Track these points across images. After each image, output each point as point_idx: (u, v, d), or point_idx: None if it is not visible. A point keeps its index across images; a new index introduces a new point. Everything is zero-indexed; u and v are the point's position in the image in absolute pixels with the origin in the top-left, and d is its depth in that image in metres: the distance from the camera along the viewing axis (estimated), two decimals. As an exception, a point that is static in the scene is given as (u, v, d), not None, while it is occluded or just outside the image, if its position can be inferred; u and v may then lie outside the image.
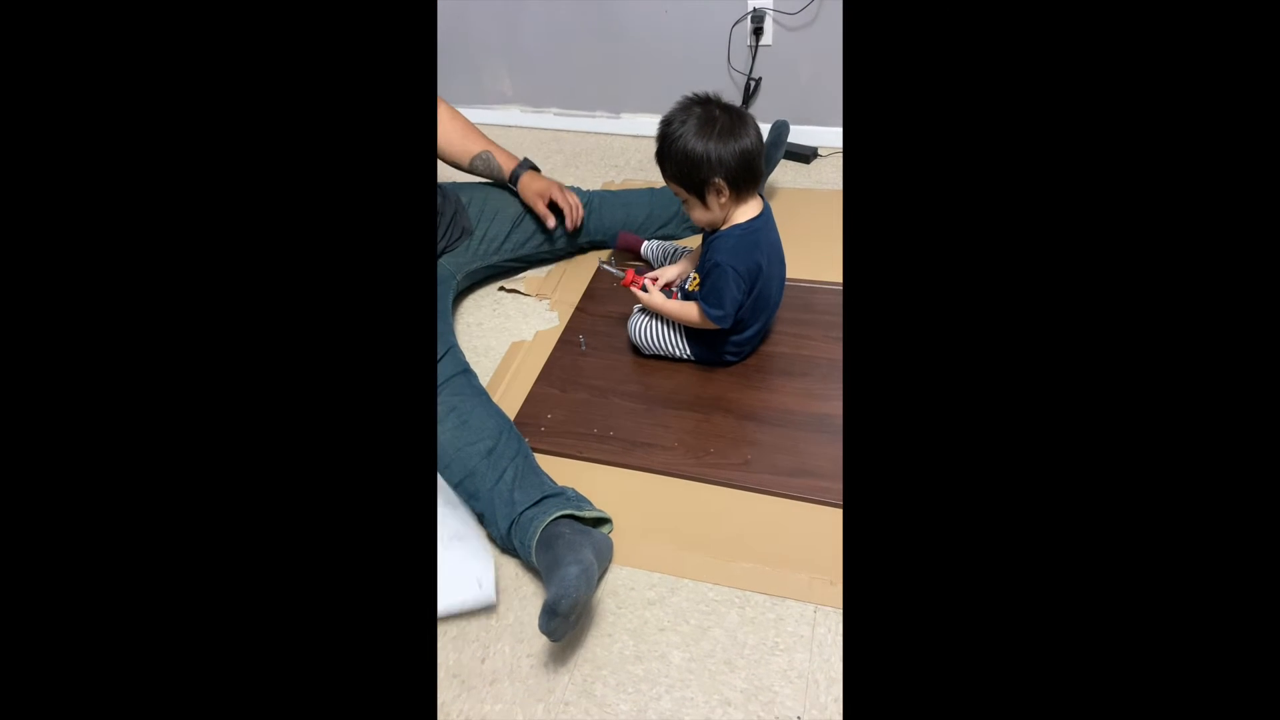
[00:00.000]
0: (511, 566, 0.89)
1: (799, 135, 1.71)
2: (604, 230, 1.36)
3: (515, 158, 1.27)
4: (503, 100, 1.96)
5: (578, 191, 1.33)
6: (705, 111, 0.93)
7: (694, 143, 0.92)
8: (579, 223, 1.26)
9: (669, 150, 0.95)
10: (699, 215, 1.00)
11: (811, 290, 1.27)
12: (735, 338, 1.08)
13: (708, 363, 1.12)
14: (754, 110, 1.73)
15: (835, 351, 1.13)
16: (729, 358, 1.11)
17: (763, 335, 1.13)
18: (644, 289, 1.08)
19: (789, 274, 1.28)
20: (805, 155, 1.67)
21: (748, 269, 0.98)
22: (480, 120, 2.00)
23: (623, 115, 1.86)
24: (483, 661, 0.80)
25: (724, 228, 1.00)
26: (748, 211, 0.99)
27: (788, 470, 0.96)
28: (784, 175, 1.64)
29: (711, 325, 1.03)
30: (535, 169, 1.28)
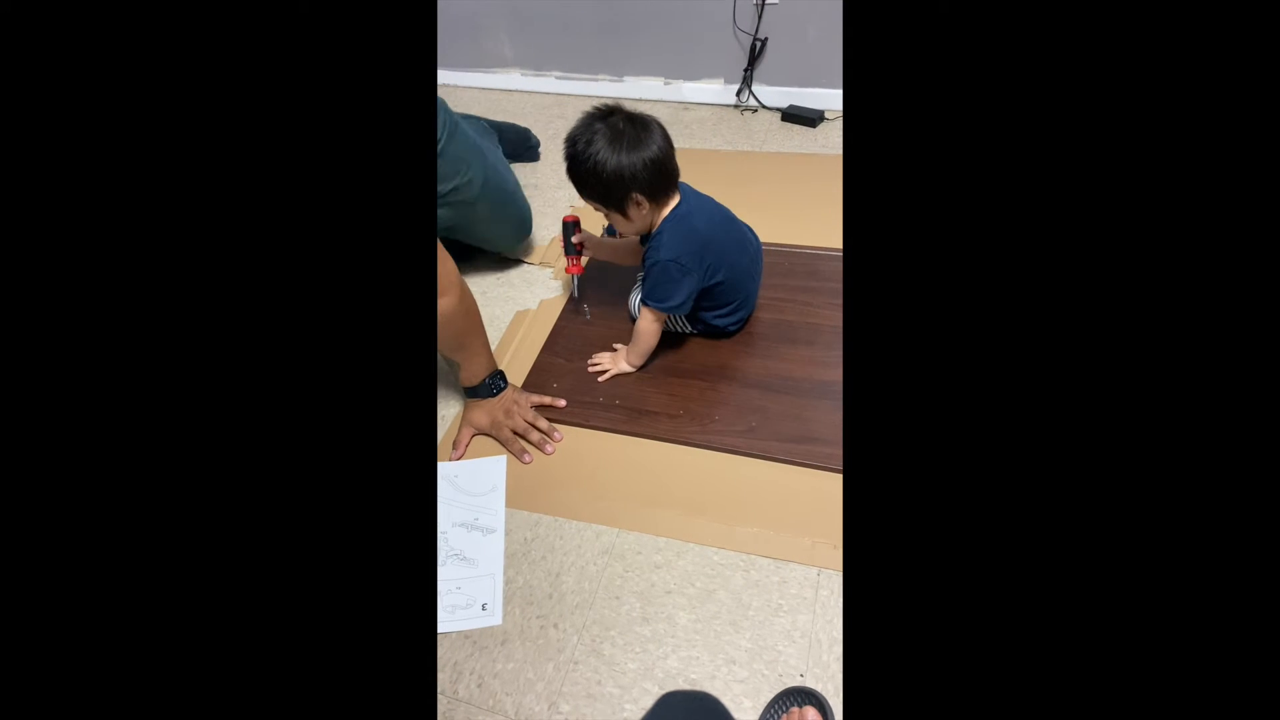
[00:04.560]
0: (519, 534, 0.91)
1: (805, 98, 1.68)
2: None
3: (491, 363, 1.00)
4: (503, 64, 1.92)
5: None
6: (609, 126, 0.91)
7: (605, 162, 0.90)
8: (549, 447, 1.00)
9: (582, 173, 0.93)
10: (624, 227, 0.99)
11: (817, 257, 1.26)
12: (721, 311, 1.08)
13: (709, 335, 1.12)
14: (761, 71, 1.69)
15: (840, 318, 1.13)
16: (732, 328, 1.11)
17: (755, 300, 1.13)
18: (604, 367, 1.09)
19: (796, 241, 1.28)
20: (811, 119, 1.64)
21: (690, 254, 0.97)
22: (480, 85, 1.97)
23: (626, 78, 1.83)
24: (494, 623, 0.83)
25: (654, 229, 0.99)
26: (671, 205, 0.98)
27: (792, 437, 0.97)
28: (789, 140, 1.61)
29: (666, 320, 1.04)
30: (500, 388, 1.01)
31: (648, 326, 1.04)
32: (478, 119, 1.50)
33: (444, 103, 1.15)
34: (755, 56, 1.66)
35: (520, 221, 1.31)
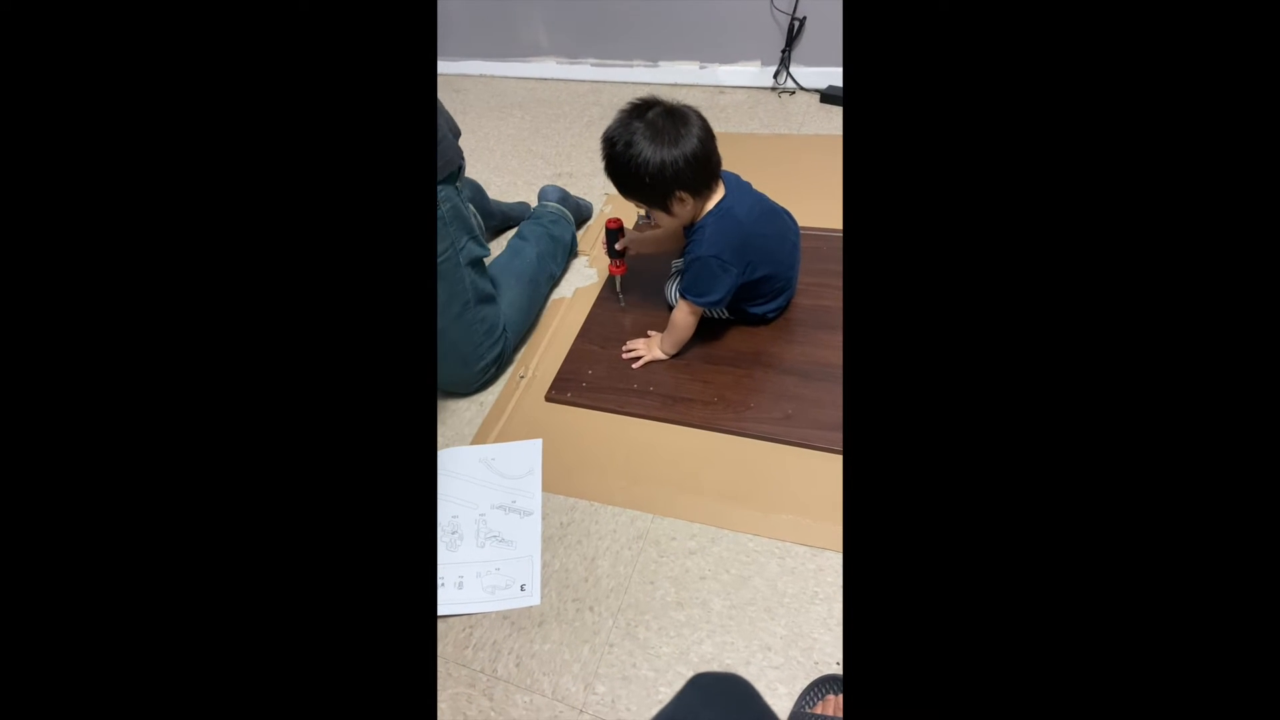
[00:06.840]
0: (555, 518, 0.92)
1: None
2: None
3: None
4: (538, 52, 1.93)
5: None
6: (647, 124, 0.88)
7: (648, 161, 0.88)
8: None
9: (624, 175, 0.91)
10: (668, 223, 0.97)
11: (856, 241, 1.23)
12: (760, 301, 1.07)
13: (746, 321, 1.11)
14: (799, 52, 1.66)
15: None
16: (771, 315, 1.10)
17: (795, 285, 1.12)
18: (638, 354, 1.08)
19: (835, 225, 1.25)
20: (852, 99, 1.60)
21: (732, 250, 0.95)
22: (516, 75, 1.98)
23: (660, 63, 1.81)
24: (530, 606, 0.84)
25: (697, 221, 0.97)
26: (715, 197, 0.96)
27: (829, 424, 0.95)
28: (829, 121, 1.58)
29: (703, 313, 1.03)
30: None
31: (684, 319, 1.03)
32: (550, 236, 1.25)
33: (450, 217, 0.97)
34: (794, 37, 1.62)
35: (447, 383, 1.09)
